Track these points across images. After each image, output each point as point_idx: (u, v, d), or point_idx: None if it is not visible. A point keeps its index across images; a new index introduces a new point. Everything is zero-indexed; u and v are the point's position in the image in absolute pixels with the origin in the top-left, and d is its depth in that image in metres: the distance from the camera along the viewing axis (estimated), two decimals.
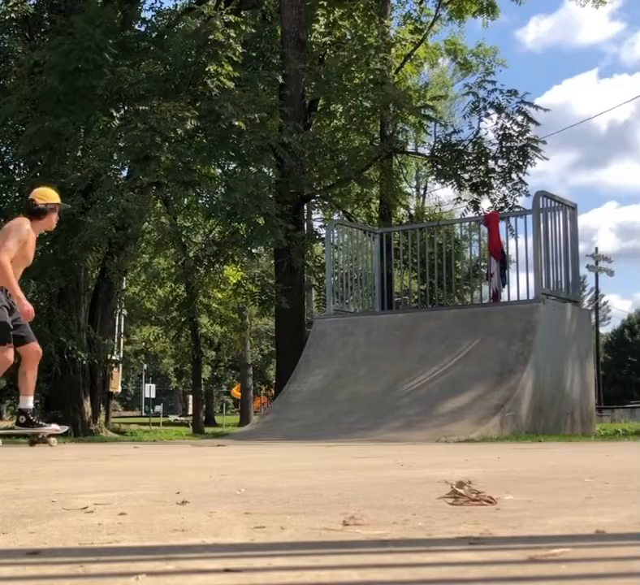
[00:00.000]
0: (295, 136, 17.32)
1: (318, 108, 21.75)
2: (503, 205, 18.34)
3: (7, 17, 18.74)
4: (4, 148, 20.35)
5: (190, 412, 53.44)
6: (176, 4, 27.61)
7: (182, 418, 59.47)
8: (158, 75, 17.32)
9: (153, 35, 19.13)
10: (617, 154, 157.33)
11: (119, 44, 17.30)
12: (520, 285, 13.75)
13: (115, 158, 17.49)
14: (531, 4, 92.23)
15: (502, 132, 18.39)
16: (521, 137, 18.28)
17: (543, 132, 37.02)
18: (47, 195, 9.10)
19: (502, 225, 14.39)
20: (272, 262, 21.77)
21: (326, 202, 22.14)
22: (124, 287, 26.42)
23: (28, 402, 9.07)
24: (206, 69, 16.62)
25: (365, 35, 22.13)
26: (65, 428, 9.48)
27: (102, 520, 2.35)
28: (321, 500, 2.82)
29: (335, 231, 15.65)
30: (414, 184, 44.76)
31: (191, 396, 53.66)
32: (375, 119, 20.62)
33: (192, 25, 17.09)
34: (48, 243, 17.27)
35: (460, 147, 19.02)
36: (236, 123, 16.18)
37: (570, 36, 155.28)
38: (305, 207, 22.26)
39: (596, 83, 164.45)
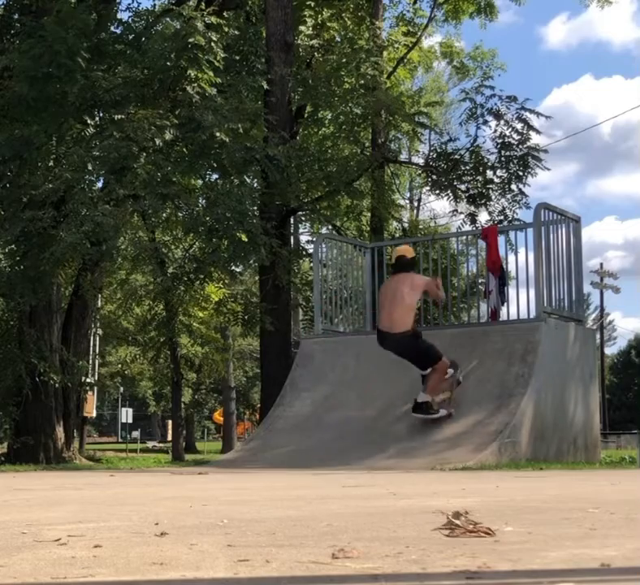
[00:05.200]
0: (280, 148, 17.29)
1: (306, 115, 21.79)
2: (502, 218, 18.34)
3: None
4: None
5: (169, 438, 53.29)
6: (154, 4, 27.65)
7: (161, 445, 59.32)
8: (135, 81, 17.33)
9: (130, 37, 19.15)
10: (619, 162, 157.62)
11: (94, 47, 17.30)
12: (520, 303, 13.78)
13: (90, 168, 17.44)
14: (529, 4, 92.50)
15: (501, 141, 18.42)
16: (521, 146, 18.32)
17: (546, 140, 37.13)
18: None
19: (501, 239, 14.43)
20: (257, 278, 21.76)
21: (314, 215, 22.14)
22: (99, 305, 26.39)
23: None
24: (187, 74, 16.64)
25: (355, 37, 22.20)
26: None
27: (76, 553, 2.35)
28: (308, 532, 2.83)
29: (324, 245, 15.67)
30: (408, 195, 44.85)
31: (170, 422, 53.50)
32: (366, 127, 20.65)
33: (171, 27, 17.13)
34: (17, 258, 17.22)
35: (456, 156, 19.04)
36: (218, 135, 16.17)
37: (578, 38, 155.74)
38: (292, 221, 22.27)
39: (597, 86, 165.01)
